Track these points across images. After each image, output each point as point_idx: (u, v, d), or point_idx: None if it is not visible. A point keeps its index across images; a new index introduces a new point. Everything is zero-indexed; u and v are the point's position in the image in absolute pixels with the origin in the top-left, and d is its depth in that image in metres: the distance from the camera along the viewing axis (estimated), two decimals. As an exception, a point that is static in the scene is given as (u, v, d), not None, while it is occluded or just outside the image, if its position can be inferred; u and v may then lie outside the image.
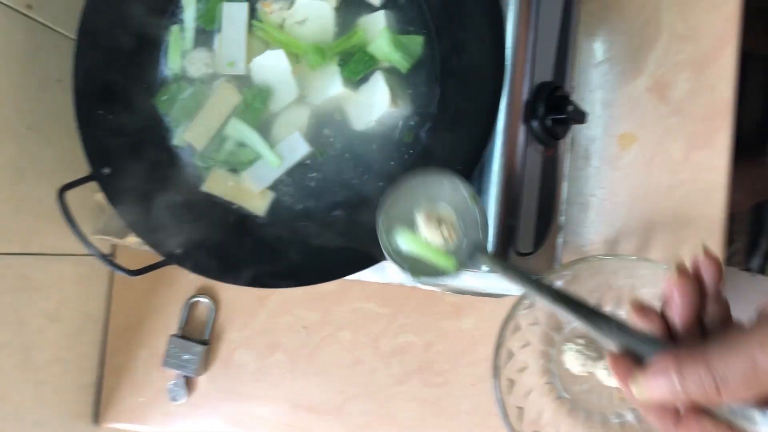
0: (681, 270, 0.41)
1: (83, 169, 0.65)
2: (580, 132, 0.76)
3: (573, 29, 0.73)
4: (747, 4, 0.75)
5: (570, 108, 0.62)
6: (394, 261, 0.50)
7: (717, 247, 0.72)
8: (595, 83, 0.76)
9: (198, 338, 0.84)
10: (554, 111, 0.62)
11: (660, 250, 0.74)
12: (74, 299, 0.81)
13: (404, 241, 0.51)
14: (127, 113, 0.66)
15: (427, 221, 0.50)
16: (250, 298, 0.83)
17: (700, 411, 0.37)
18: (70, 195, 0.63)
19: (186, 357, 0.82)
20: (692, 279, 0.41)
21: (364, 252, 0.57)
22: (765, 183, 1.37)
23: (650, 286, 0.68)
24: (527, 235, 0.67)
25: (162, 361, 0.83)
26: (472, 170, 0.58)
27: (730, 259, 1.63)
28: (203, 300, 0.84)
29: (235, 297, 0.84)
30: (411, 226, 0.51)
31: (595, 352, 0.69)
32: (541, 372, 0.71)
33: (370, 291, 0.81)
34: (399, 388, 0.79)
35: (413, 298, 0.80)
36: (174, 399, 0.84)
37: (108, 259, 0.60)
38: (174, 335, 0.83)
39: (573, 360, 0.69)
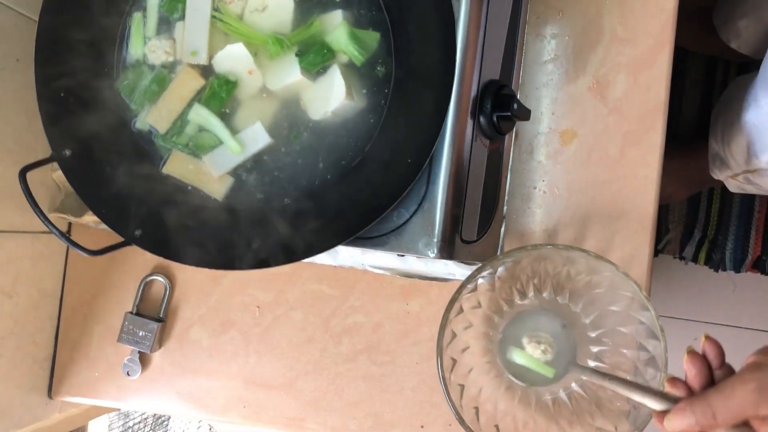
0: (691, 352, 0.60)
1: (41, 147, 0.67)
2: (524, 127, 0.80)
3: (520, 30, 0.77)
4: (686, 6, 0.80)
5: (515, 106, 0.66)
6: (511, 373, 0.74)
7: (647, 238, 0.78)
8: (540, 81, 0.80)
9: (153, 315, 0.86)
10: (500, 108, 0.66)
11: (595, 240, 0.79)
12: (30, 275, 0.83)
13: (517, 356, 0.73)
14: (88, 95, 0.67)
15: (529, 342, 0.73)
16: (205, 278, 0.86)
17: None
18: (29, 173, 0.64)
19: (141, 333, 0.84)
20: (700, 357, 0.59)
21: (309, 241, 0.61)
22: (700, 176, 1.44)
23: (582, 273, 0.73)
24: (472, 223, 0.71)
25: (117, 337, 0.85)
26: (423, 163, 0.61)
27: (665, 247, 1.71)
28: (159, 278, 0.86)
29: (191, 276, 0.86)
30: (520, 346, 0.74)
31: (552, 337, 0.74)
32: (482, 352, 0.76)
33: (323, 273, 0.84)
34: (348, 366, 0.83)
35: (363, 281, 0.83)
36: (128, 374, 0.86)
37: (69, 238, 0.62)
38: (129, 312, 0.85)
39: (534, 348, 0.73)
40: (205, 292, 0.86)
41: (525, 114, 0.68)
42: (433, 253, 0.67)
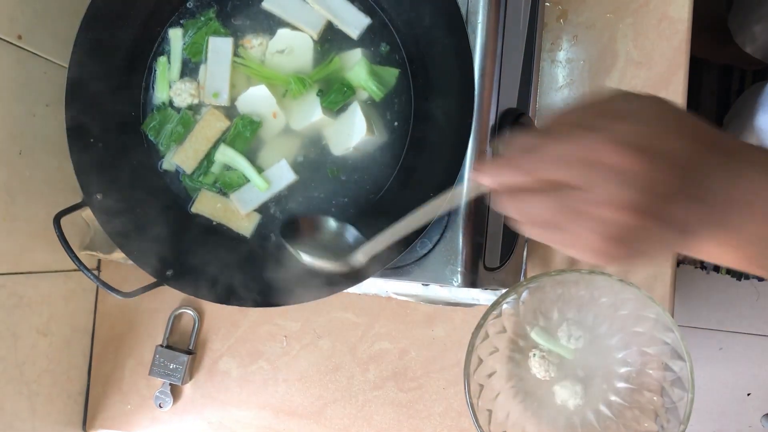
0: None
1: (72, 188, 0.68)
2: (542, 152, 0.81)
3: (536, 57, 0.78)
4: (699, 19, 0.80)
5: (533, 134, 0.67)
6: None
7: (668, 261, 0.78)
8: (557, 107, 0.81)
9: (183, 348, 0.88)
10: (519, 137, 0.67)
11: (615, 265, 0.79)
12: (63, 313, 0.85)
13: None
14: (117, 139, 0.69)
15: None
16: (233, 309, 0.87)
17: None
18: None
19: (172, 366, 0.86)
20: None
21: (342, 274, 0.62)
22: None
23: (606, 296, 0.73)
24: (494, 250, 0.72)
25: (149, 370, 0.87)
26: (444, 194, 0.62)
27: (687, 257, 1.71)
28: (188, 311, 0.88)
29: (219, 308, 0.88)
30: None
31: (556, 359, 0.74)
32: (509, 376, 0.76)
33: (348, 301, 0.85)
34: (375, 393, 0.84)
35: (388, 308, 0.84)
36: (160, 406, 0.87)
37: (103, 281, 0.64)
38: (160, 345, 0.87)
39: (537, 366, 0.74)
40: (233, 323, 0.87)
41: (543, 141, 0.69)
42: (457, 281, 0.68)
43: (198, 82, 0.71)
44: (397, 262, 0.70)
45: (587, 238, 0.42)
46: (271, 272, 0.65)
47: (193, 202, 0.70)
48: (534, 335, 0.74)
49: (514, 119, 0.69)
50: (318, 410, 0.85)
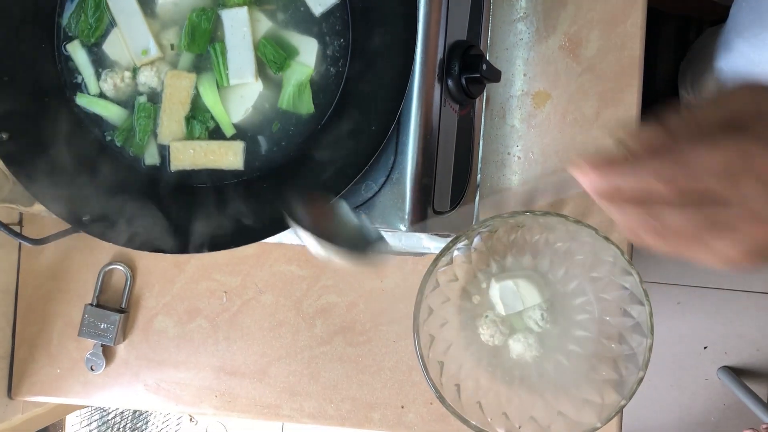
0: None
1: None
2: (495, 91, 0.77)
3: (487, -13, 0.73)
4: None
5: (484, 67, 0.62)
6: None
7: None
8: (510, 41, 0.77)
9: (115, 306, 0.82)
10: (468, 70, 0.62)
11: (573, 205, 0.76)
12: (-20, 271, 0.78)
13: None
14: (26, 71, 0.63)
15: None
16: (168, 264, 0.82)
17: None
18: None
19: (103, 326, 0.80)
20: None
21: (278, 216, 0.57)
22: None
23: (562, 240, 0.70)
24: (444, 193, 0.68)
25: (78, 331, 0.81)
26: (388, 130, 0.58)
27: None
28: (119, 267, 0.82)
29: (152, 263, 0.82)
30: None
31: (508, 329, 0.71)
32: (461, 327, 0.73)
33: (292, 253, 0.80)
34: (322, 349, 0.80)
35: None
36: (92, 369, 0.82)
37: (10, 228, 0.58)
38: (89, 304, 0.81)
39: (485, 328, 0.70)
40: (168, 279, 0.82)
41: (495, 75, 0.64)
42: (405, 225, 0.64)
43: (117, 70, 0.64)
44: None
45: (729, 252, 0.38)
46: (196, 216, 0.60)
47: (169, 162, 0.65)
48: (492, 295, 0.70)
49: (464, 52, 0.64)
50: (262, 369, 0.80)
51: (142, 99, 0.65)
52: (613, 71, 0.75)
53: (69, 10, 0.65)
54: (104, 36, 0.65)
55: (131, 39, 0.64)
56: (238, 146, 0.64)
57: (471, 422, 0.65)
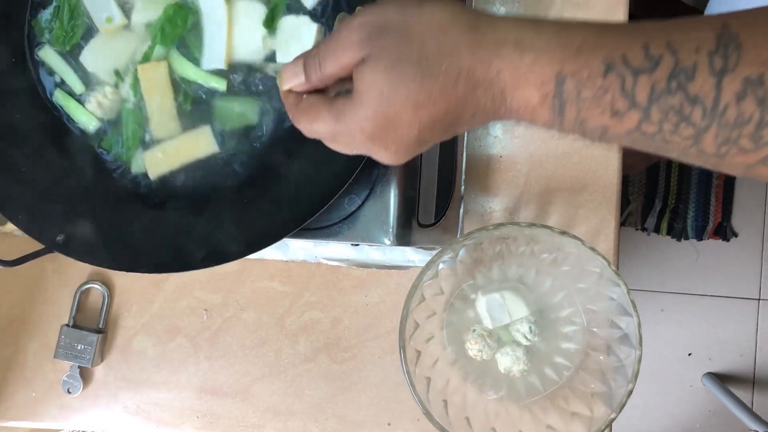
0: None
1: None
2: (478, 101, 0.76)
3: (468, -3, 0.72)
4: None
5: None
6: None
7: (612, 210, 0.74)
8: (491, 51, 0.76)
9: (92, 327, 0.80)
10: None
11: (558, 216, 0.75)
12: (-49, 293, 0.75)
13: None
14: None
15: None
16: (146, 283, 0.80)
17: (315, 93, 0.46)
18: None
19: (80, 347, 0.78)
20: None
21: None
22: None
23: (548, 251, 0.69)
24: (428, 206, 0.67)
25: (54, 353, 0.78)
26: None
27: (627, 220, 1.70)
28: (96, 286, 0.80)
29: (130, 282, 0.80)
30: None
31: (496, 343, 0.69)
32: (447, 341, 0.72)
33: (274, 269, 0.78)
34: (306, 366, 0.78)
35: (318, 275, 0.78)
36: (69, 391, 0.79)
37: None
38: (65, 325, 0.79)
39: (473, 342, 0.69)
40: (147, 298, 0.80)
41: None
42: (390, 240, 0.63)
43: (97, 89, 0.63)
44: (322, 221, 0.64)
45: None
46: (176, 233, 0.58)
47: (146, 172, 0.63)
48: (478, 308, 0.69)
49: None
50: (244, 388, 0.78)
51: (129, 105, 0.63)
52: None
53: (44, 17, 0.63)
54: (80, 47, 0.63)
55: (93, 7, 0.63)
56: (205, 130, 0.62)
57: (459, 439, 0.64)
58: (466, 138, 0.74)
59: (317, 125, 0.45)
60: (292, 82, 0.46)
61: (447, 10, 0.41)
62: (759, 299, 1.71)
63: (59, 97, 0.63)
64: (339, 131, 0.44)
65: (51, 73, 0.64)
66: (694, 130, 0.37)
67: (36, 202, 0.59)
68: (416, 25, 0.41)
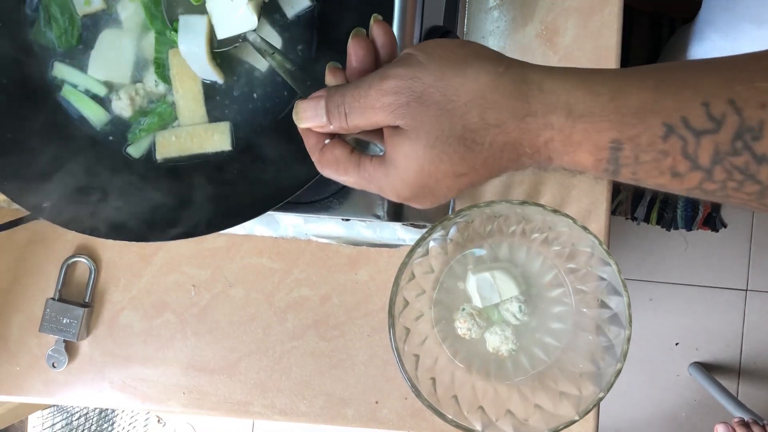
0: (357, 35, 0.46)
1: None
2: (472, 78, 0.75)
3: (464, -27, 0.71)
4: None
5: (461, 51, 0.61)
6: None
7: (604, 191, 0.74)
8: (486, 29, 0.75)
9: (78, 301, 0.79)
10: (445, 54, 0.61)
11: (550, 195, 0.75)
12: (-66, 263, 0.74)
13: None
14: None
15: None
16: (134, 257, 0.79)
17: (340, 140, 0.45)
18: None
19: (65, 321, 0.77)
20: (367, 43, 0.46)
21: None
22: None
23: (539, 230, 0.69)
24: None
25: (39, 326, 0.77)
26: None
27: (617, 209, 1.70)
28: (82, 260, 0.79)
29: (118, 255, 0.79)
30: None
31: (485, 322, 0.69)
32: (436, 319, 0.71)
33: (263, 245, 0.78)
34: (294, 343, 0.78)
35: (308, 252, 0.78)
36: (54, 366, 0.78)
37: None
38: (51, 298, 0.78)
39: (462, 321, 0.69)
40: (134, 272, 0.79)
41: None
42: (382, 214, 0.62)
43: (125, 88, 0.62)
44: (313, 195, 0.64)
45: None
46: (164, 203, 0.57)
47: (155, 152, 0.63)
48: (468, 287, 0.69)
49: (440, 36, 0.63)
50: (231, 364, 0.78)
51: (163, 107, 0.63)
52: (590, 59, 0.74)
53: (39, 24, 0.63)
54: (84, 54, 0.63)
55: None
56: (224, 126, 0.62)
57: (447, 416, 0.63)
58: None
59: (345, 179, 0.45)
60: (312, 122, 0.44)
61: (490, 74, 0.39)
62: (746, 290, 1.72)
63: (67, 91, 0.63)
64: (368, 188, 0.44)
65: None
66: (760, 187, 0.36)
67: (21, 166, 0.58)
68: (458, 98, 0.39)
